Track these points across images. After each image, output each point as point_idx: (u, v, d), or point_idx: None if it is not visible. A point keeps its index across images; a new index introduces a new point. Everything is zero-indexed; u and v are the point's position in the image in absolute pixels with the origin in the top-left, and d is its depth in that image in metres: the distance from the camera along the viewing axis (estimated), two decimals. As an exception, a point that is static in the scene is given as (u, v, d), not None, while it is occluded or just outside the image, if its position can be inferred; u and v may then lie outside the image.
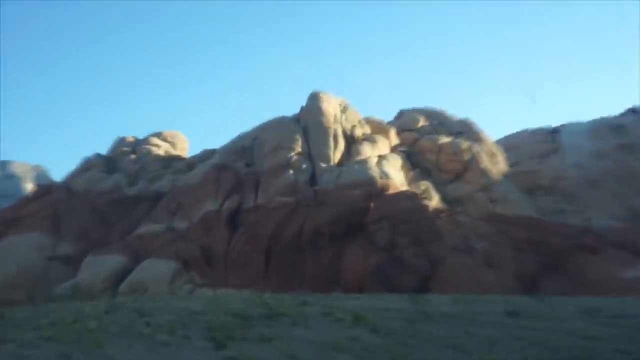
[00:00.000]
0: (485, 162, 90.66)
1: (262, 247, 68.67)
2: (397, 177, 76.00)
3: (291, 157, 77.25)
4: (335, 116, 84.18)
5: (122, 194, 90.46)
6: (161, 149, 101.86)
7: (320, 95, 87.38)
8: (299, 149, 78.76)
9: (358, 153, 79.40)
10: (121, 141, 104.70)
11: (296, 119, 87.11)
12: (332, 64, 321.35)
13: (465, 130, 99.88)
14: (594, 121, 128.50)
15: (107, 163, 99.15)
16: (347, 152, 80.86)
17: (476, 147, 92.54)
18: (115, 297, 61.67)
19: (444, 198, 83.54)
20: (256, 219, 72.38)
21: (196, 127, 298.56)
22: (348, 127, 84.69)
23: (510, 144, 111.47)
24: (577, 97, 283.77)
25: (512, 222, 79.21)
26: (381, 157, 79.78)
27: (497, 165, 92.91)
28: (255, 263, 68.09)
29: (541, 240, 75.61)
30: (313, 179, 75.79)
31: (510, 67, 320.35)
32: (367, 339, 17.90)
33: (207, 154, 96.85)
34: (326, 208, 70.35)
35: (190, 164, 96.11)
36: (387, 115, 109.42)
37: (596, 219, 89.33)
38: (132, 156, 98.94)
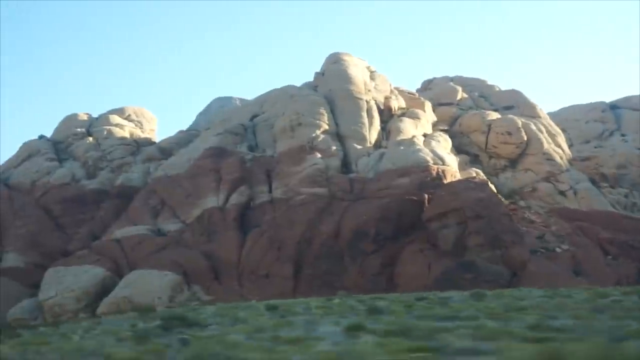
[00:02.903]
0: (547, 145, 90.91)
1: (289, 253, 67.23)
2: (451, 161, 75.48)
3: (316, 136, 76.01)
4: (365, 84, 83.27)
5: (80, 188, 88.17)
6: (125, 129, 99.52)
7: (344, 57, 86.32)
8: (325, 125, 77.49)
9: (399, 131, 78.56)
10: (71, 120, 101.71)
11: (312, 87, 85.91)
12: (321, 22, 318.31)
13: (515, 103, 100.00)
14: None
15: (54, 149, 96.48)
16: (383, 130, 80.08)
17: (534, 125, 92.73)
18: (96, 317, 59.80)
19: (497, 190, 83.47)
20: (276, 217, 71.03)
21: (156, 101, 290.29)
22: (380, 98, 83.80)
23: (558, 123, 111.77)
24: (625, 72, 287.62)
25: (593, 220, 79.68)
26: (428, 137, 79.21)
27: (560, 148, 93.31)
28: (281, 274, 66.66)
29: (630, 242, 76.29)
30: (345, 165, 74.78)
31: (542, 35, 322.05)
32: None
33: (187, 137, 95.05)
34: (368, 202, 69.34)
35: (165, 149, 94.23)
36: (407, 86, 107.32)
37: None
38: (89, 139, 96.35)
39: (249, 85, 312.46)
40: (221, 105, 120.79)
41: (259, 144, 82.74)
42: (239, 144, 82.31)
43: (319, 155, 73.89)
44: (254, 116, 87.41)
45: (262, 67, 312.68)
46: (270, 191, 74.37)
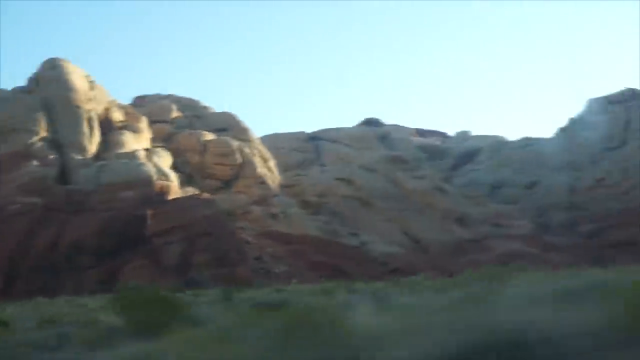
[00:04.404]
0: (260, 168, 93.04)
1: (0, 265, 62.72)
2: (174, 177, 74.84)
3: (33, 143, 71.56)
4: (85, 93, 79.95)
5: None
6: None
7: (63, 63, 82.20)
8: (43, 132, 73.21)
9: (120, 144, 76.36)
10: None
11: (25, 92, 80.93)
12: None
13: (228, 126, 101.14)
14: (357, 128, 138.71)
15: None
16: (103, 142, 77.38)
17: (248, 149, 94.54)
18: None
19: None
20: (-15, 226, 65.86)
21: None
22: (99, 109, 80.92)
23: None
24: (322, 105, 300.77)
25: (304, 244, 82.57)
26: (150, 152, 77.83)
27: (272, 172, 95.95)
28: (-10, 287, 61.86)
29: (339, 266, 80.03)
30: (63, 175, 71.13)
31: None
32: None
33: None
34: (89, 214, 66.60)
35: None
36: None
37: (374, 243, 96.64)
38: None
39: None
40: None
41: (-34, 146, 76.23)
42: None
43: (35, 163, 69.70)
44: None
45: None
46: (-22, 198, 68.77)
